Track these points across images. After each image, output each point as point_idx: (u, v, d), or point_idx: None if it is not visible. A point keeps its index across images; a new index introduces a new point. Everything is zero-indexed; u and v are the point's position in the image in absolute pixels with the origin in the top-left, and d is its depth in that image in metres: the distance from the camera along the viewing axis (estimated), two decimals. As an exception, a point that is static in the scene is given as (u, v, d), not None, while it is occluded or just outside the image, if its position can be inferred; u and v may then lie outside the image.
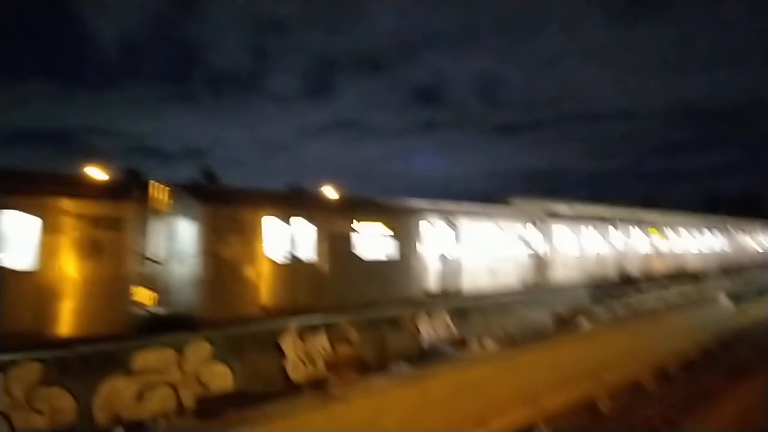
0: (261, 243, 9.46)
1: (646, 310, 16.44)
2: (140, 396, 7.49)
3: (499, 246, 14.80)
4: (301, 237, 10.22)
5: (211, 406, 7.86)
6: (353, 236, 11.04)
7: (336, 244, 10.67)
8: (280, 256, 9.79)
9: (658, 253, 24.31)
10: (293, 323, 9.69)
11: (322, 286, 10.29)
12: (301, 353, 9.82)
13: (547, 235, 16.70)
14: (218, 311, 8.68)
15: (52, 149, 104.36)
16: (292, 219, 10.11)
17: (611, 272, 20.35)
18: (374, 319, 11.08)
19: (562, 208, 20.23)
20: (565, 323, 15.06)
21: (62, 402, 6.88)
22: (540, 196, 20.44)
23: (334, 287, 10.48)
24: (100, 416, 7.12)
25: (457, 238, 13.49)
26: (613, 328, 11.98)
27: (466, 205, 14.99)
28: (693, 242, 28.33)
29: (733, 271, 32.25)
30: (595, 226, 19.37)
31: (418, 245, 12.41)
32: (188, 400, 7.98)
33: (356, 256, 11.01)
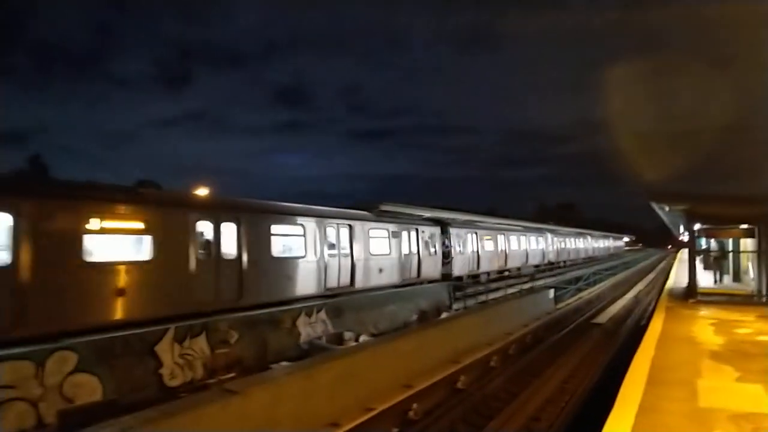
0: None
1: (494, 302, 19.07)
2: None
3: (375, 247, 15.99)
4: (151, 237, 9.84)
5: (77, 419, 7.31)
6: (219, 238, 11.00)
7: (196, 245, 10.51)
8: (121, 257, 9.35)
9: (504, 254, 28.08)
10: (170, 327, 9.41)
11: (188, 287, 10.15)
12: (178, 359, 9.56)
13: (414, 238, 18.37)
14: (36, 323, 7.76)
15: None
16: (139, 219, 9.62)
17: (467, 270, 23.01)
18: (254, 319, 11.20)
19: (424, 212, 22.26)
20: (428, 316, 16.76)
21: None
22: (404, 200, 22.17)
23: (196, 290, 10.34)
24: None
25: (328, 239, 14.27)
26: (467, 316, 13.92)
27: (340, 210, 15.85)
28: (531, 245, 33.22)
29: (560, 269, 38.47)
30: (455, 231, 21.75)
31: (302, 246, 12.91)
32: (50, 416, 7.33)
33: (221, 257, 11.00)
